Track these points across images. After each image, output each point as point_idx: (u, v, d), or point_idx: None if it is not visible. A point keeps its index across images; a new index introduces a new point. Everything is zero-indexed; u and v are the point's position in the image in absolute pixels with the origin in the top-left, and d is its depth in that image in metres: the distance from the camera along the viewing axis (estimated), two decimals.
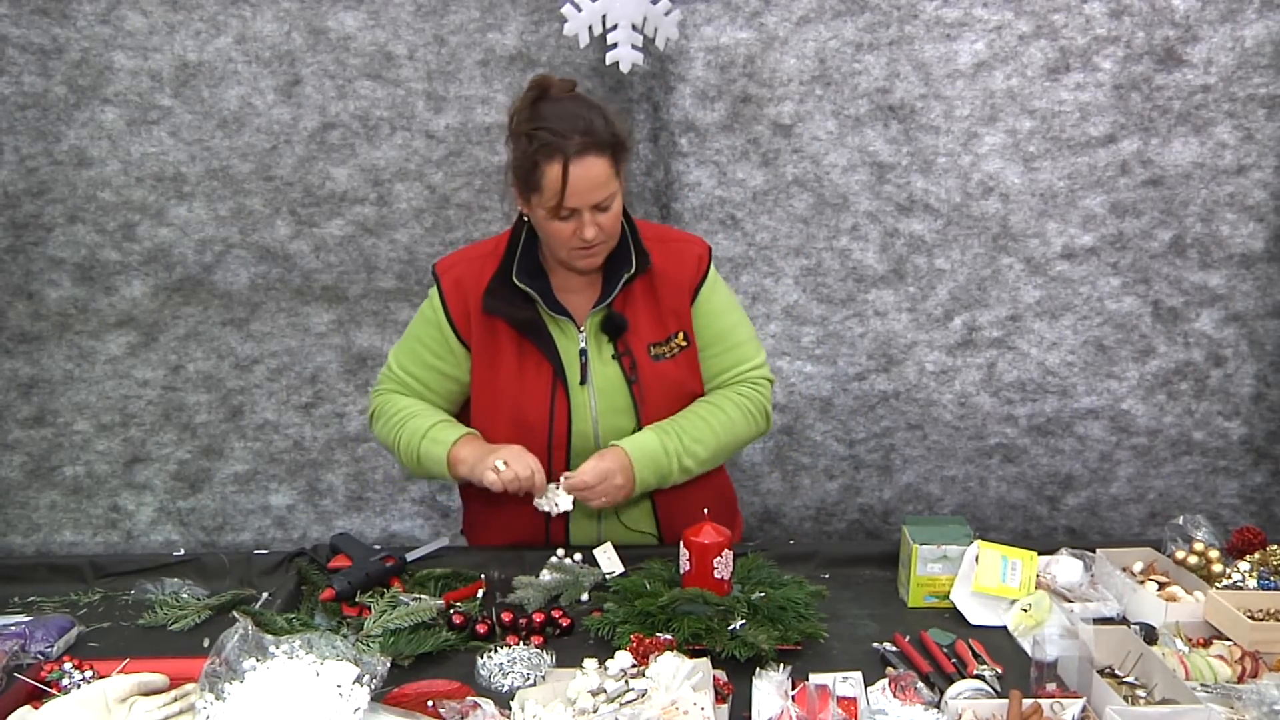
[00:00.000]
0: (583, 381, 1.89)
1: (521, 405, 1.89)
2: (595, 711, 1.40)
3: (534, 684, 1.52)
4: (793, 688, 1.47)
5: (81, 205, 2.50)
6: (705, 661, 1.50)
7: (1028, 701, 1.40)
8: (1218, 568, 1.80)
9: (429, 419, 1.91)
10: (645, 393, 1.89)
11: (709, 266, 1.93)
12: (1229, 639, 1.63)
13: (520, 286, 1.84)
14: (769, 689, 1.48)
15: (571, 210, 1.73)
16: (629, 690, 1.43)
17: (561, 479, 1.82)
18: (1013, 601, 1.75)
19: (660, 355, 1.90)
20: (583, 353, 1.88)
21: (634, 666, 1.50)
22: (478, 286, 1.86)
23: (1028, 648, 1.61)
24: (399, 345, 1.99)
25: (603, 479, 1.80)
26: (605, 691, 1.44)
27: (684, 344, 1.92)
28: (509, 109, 1.79)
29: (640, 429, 1.90)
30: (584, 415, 1.89)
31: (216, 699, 1.32)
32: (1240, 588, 1.76)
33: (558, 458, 1.91)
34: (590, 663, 1.53)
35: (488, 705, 1.42)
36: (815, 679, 1.52)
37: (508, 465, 1.79)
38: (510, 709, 1.43)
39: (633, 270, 1.85)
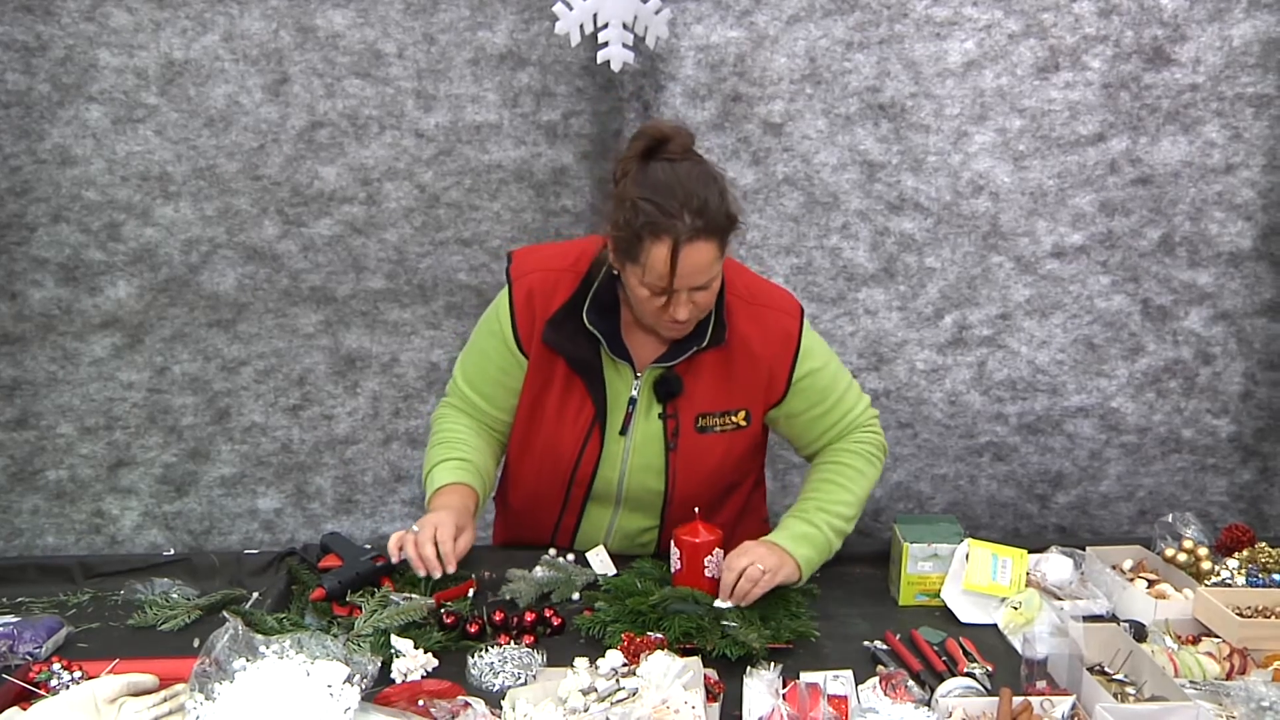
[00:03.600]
0: (623, 431, 1.82)
1: (555, 439, 1.84)
2: (586, 710, 1.40)
3: (525, 683, 1.52)
4: (783, 686, 1.47)
5: (66, 205, 2.48)
6: (696, 660, 1.50)
7: (1018, 699, 1.41)
8: (1206, 565, 1.81)
9: (445, 452, 1.85)
10: (679, 462, 1.82)
11: (799, 340, 1.82)
12: (1218, 636, 1.64)
13: (587, 327, 1.75)
14: (760, 688, 1.48)
15: (667, 289, 1.63)
16: (620, 689, 1.43)
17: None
18: (1003, 599, 1.75)
19: (707, 428, 1.82)
20: (632, 401, 1.81)
21: (625, 665, 1.50)
22: (546, 307, 1.78)
23: (1018, 645, 1.61)
24: (465, 354, 1.91)
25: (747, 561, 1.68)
26: (596, 690, 1.44)
27: (742, 424, 1.83)
28: (616, 158, 1.67)
29: (668, 495, 1.85)
30: (613, 465, 1.84)
31: (206, 699, 1.31)
32: (1229, 585, 1.77)
33: (576, 494, 1.89)
34: (581, 662, 1.52)
35: (478, 705, 1.42)
36: (806, 677, 1.52)
37: (417, 533, 1.69)
38: (501, 708, 1.43)
39: (704, 344, 1.76)
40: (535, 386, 1.83)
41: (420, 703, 1.43)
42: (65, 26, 2.38)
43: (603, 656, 1.53)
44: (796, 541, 1.75)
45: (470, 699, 1.44)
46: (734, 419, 1.83)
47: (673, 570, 1.76)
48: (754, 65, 2.45)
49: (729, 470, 1.88)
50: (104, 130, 2.44)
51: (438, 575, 1.69)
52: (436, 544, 1.67)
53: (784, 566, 1.70)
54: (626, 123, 2.50)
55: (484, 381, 1.88)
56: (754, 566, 1.66)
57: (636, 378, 1.80)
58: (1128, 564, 1.87)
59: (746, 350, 1.80)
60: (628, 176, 1.62)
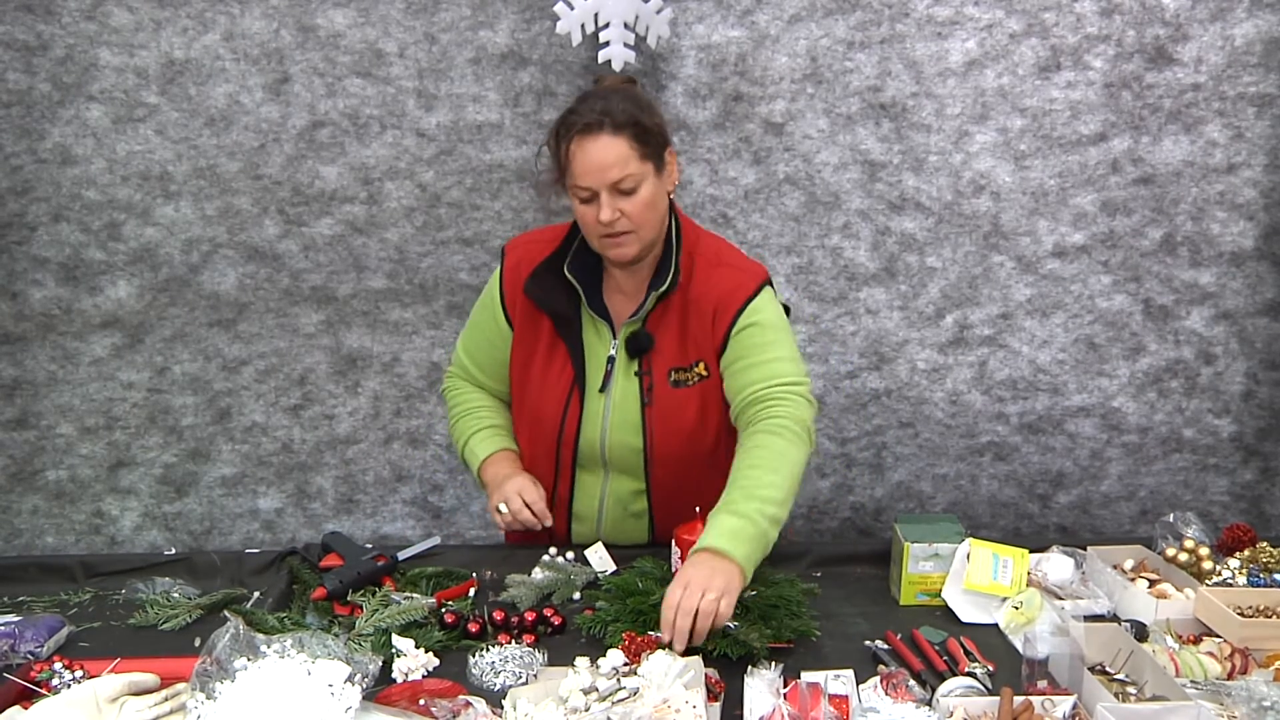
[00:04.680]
0: (602, 389, 1.87)
1: (540, 401, 1.91)
2: (587, 710, 1.39)
3: (525, 683, 1.51)
4: (784, 686, 1.47)
5: (66, 204, 2.48)
6: (697, 659, 1.50)
7: (1019, 699, 1.40)
8: (1208, 565, 1.81)
9: (474, 424, 1.98)
10: (656, 418, 1.86)
11: (748, 300, 1.81)
12: (1219, 636, 1.64)
13: (567, 278, 1.83)
14: (761, 687, 1.48)
15: (589, 191, 1.72)
16: (621, 689, 1.43)
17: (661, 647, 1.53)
18: (1004, 599, 1.75)
19: (680, 382, 1.86)
20: (610, 360, 1.86)
21: (626, 665, 1.50)
22: (531, 270, 1.86)
23: (1019, 645, 1.61)
24: (465, 329, 2.03)
25: (692, 591, 1.51)
26: (597, 690, 1.43)
27: (704, 374, 1.85)
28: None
29: (647, 453, 1.88)
30: (595, 424, 1.88)
31: (208, 698, 1.31)
32: (1230, 585, 1.77)
33: (565, 456, 1.93)
34: (582, 661, 1.52)
35: (479, 704, 1.42)
36: (807, 677, 1.51)
37: (507, 506, 1.86)
38: (502, 708, 1.43)
39: (663, 288, 1.81)
40: (523, 352, 1.91)
41: (421, 701, 1.43)
42: (66, 26, 2.38)
43: (604, 656, 1.52)
44: (733, 540, 1.56)
45: (470, 698, 1.44)
46: (697, 370, 1.86)
47: (673, 569, 1.76)
48: (755, 65, 2.45)
49: (709, 428, 1.88)
50: (104, 130, 2.44)
51: (538, 528, 1.89)
52: (529, 505, 1.86)
53: (731, 580, 1.53)
54: None
55: (479, 352, 1.99)
56: (706, 598, 1.49)
57: (614, 337, 1.86)
58: (1129, 564, 1.87)
59: (698, 303, 1.84)
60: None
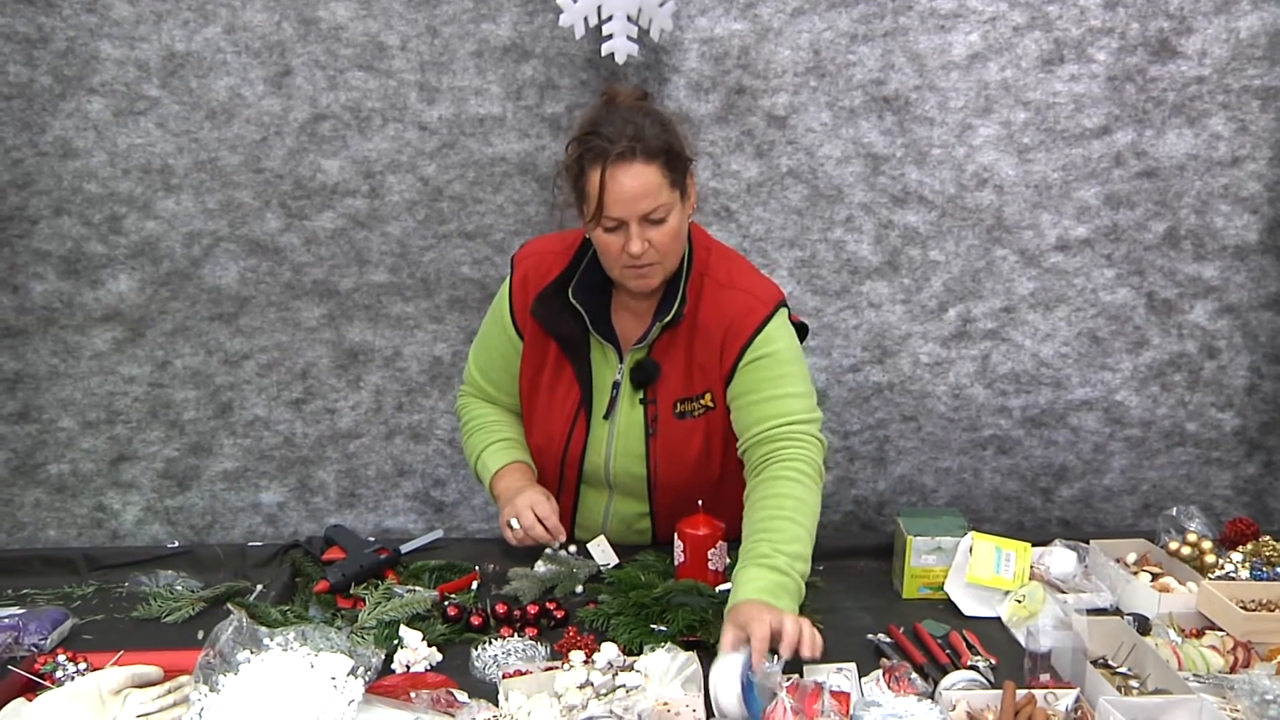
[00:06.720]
0: (606, 415, 1.84)
1: (547, 420, 1.89)
2: (584, 707, 1.39)
3: None
4: (786, 679, 1.47)
5: (67, 197, 2.48)
6: (693, 654, 1.49)
7: (1022, 692, 1.40)
8: (1211, 559, 1.81)
9: (486, 438, 1.95)
10: (660, 449, 1.83)
11: (759, 327, 1.75)
12: (1222, 629, 1.64)
13: (572, 301, 1.78)
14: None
15: (618, 221, 1.65)
16: (619, 686, 1.43)
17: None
18: (1006, 593, 1.75)
19: (685, 413, 1.82)
20: (615, 385, 1.83)
21: (621, 659, 1.50)
22: (539, 286, 1.82)
23: (1022, 639, 1.61)
24: (475, 342, 1.99)
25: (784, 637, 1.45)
26: (592, 685, 1.43)
27: (710, 405, 1.81)
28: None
29: (651, 481, 1.86)
30: (599, 449, 1.87)
31: (211, 691, 1.31)
32: (1233, 578, 1.77)
33: (569, 476, 1.92)
34: (577, 655, 1.52)
35: (460, 695, 1.42)
36: (809, 670, 1.51)
37: (519, 522, 1.81)
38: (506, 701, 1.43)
39: (667, 319, 1.76)
40: (531, 366, 1.88)
41: (412, 695, 1.43)
42: (66, 18, 2.37)
43: (597, 650, 1.53)
44: (775, 595, 1.51)
45: (454, 691, 1.44)
46: (702, 401, 1.82)
47: (676, 563, 1.77)
48: (758, 58, 2.44)
49: (713, 459, 1.86)
50: (105, 123, 2.44)
51: (555, 546, 1.85)
52: (542, 520, 1.82)
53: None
54: None
55: (491, 368, 1.95)
56: (783, 621, 1.45)
57: (621, 362, 1.82)
58: (1131, 557, 1.87)
59: (705, 331, 1.78)
60: (579, 130, 1.70)
